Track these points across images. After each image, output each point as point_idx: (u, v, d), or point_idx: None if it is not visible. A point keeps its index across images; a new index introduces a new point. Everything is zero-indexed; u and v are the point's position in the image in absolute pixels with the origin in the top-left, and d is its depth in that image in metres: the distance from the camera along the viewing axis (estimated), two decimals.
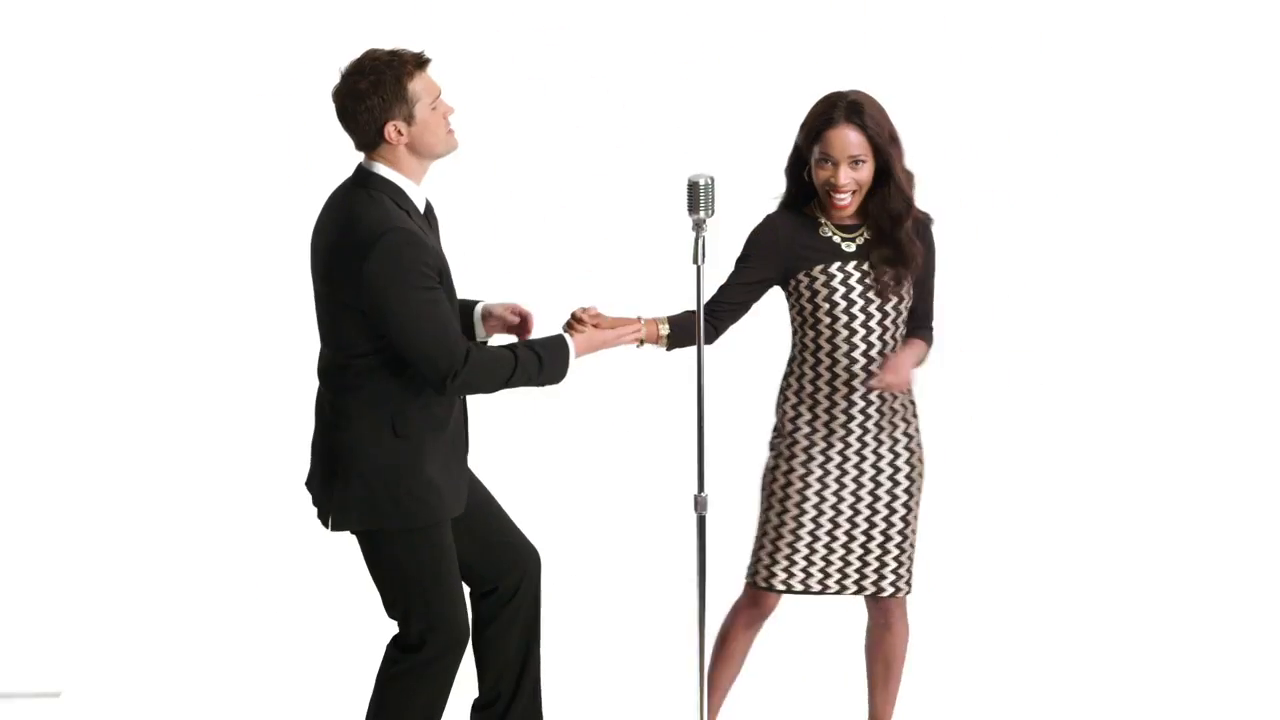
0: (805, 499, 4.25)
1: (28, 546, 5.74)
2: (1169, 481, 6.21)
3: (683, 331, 4.22)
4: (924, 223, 4.27)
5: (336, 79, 3.83)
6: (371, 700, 4.06)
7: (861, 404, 4.23)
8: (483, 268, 5.90)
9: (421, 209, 3.92)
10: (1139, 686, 5.24)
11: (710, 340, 4.24)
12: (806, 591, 4.28)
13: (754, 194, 4.32)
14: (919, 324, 4.32)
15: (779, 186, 4.28)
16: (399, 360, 3.81)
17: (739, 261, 4.26)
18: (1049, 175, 6.25)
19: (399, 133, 3.81)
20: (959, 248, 6.21)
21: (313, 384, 6.10)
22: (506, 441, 6.09)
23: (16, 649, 5.41)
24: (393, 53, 3.81)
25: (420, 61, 3.82)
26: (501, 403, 6.06)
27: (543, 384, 3.93)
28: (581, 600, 5.82)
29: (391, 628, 4.06)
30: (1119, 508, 6.21)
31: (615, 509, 5.97)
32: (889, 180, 4.15)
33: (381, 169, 3.85)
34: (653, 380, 5.87)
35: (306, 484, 4.09)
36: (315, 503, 4.04)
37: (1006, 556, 6.05)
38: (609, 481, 5.94)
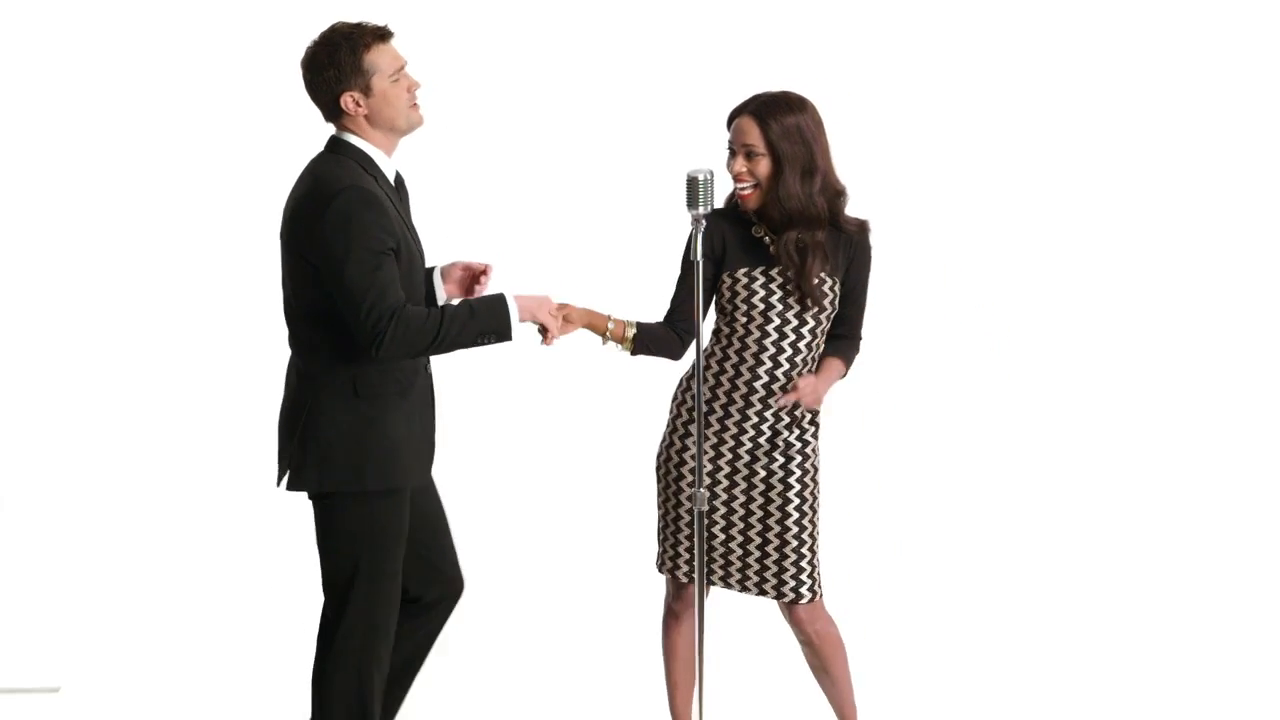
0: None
1: (27, 542, 5.74)
2: (1158, 481, 6.21)
3: (651, 340, 4.24)
4: (851, 231, 4.21)
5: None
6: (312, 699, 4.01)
7: (759, 406, 4.21)
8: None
9: (392, 179, 3.96)
10: (1130, 687, 5.25)
11: (680, 354, 4.29)
12: (711, 584, 4.28)
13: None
14: (843, 332, 4.29)
15: None
16: None
17: (681, 268, 4.28)
18: (1037, 176, 6.24)
19: (356, 103, 3.87)
20: (947, 248, 6.25)
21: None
22: (503, 438, 6.10)
23: (16, 644, 5.41)
24: (354, 25, 3.88)
25: (381, 34, 3.88)
26: (501, 401, 6.09)
27: (480, 338, 3.86)
28: (577, 598, 5.82)
29: None
30: (1107, 508, 6.21)
31: (613, 505, 5.96)
32: (780, 181, 4.14)
33: (351, 138, 3.91)
34: (651, 377, 5.88)
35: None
36: (280, 474, 4.01)
37: (993, 557, 6.05)
38: (607, 478, 5.93)
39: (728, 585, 4.27)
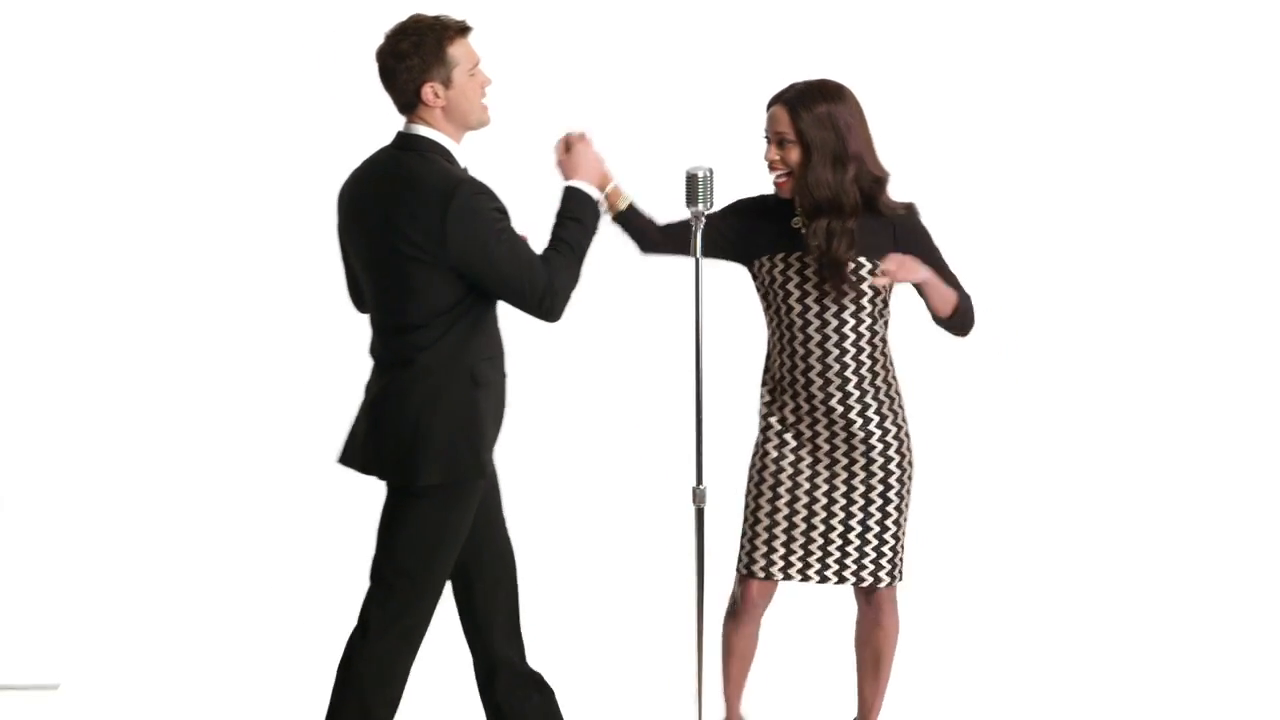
0: (779, 484, 4.27)
1: (27, 539, 5.74)
2: (1160, 481, 6.22)
3: (632, 222, 4.29)
4: (896, 215, 4.20)
5: (381, 40, 3.92)
6: (335, 685, 4.04)
7: (821, 395, 4.22)
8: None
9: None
10: (1137, 684, 5.25)
11: (645, 250, 4.32)
12: (787, 579, 4.30)
13: (753, 187, 4.31)
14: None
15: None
16: (477, 311, 3.90)
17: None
18: (1050, 170, 6.25)
19: (435, 95, 3.90)
20: (955, 242, 6.26)
21: (301, 378, 6.13)
22: (504, 434, 6.09)
23: (15, 641, 5.41)
24: (436, 17, 3.92)
25: (462, 29, 3.93)
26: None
27: (596, 232, 4.03)
28: (579, 593, 5.82)
29: None
30: (1116, 504, 6.22)
31: (613, 502, 5.97)
32: (809, 168, 4.14)
33: (424, 130, 3.94)
34: (651, 372, 5.88)
35: (342, 459, 4.08)
36: (367, 469, 4.02)
37: (1003, 552, 6.06)
38: (607, 474, 5.94)
39: (805, 578, 4.29)
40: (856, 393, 4.22)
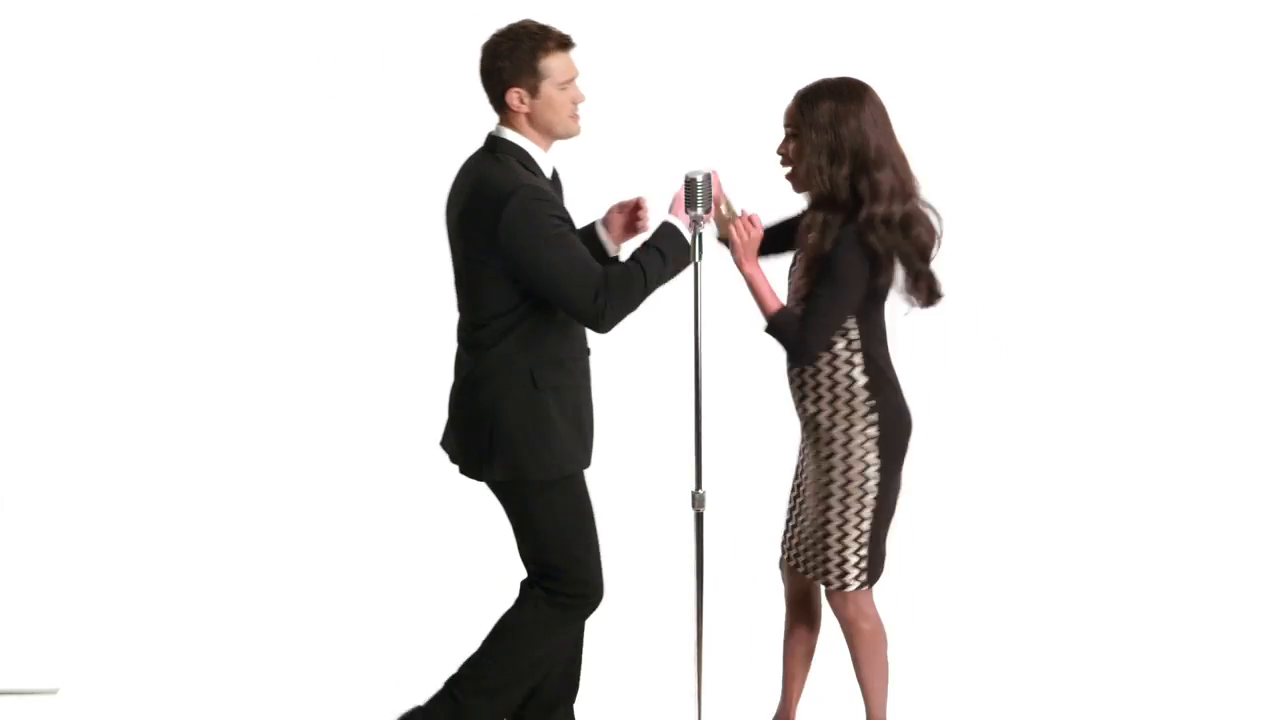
0: (796, 480, 4.40)
1: (26, 543, 5.73)
2: (1162, 480, 6.21)
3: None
4: (845, 231, 4.11)
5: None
6: (495, 637, 4.23)
7: (798, 396, 4.27)
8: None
9: (549, 175, 4.08)
10: (1136, 684, 5.25)
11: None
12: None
13: (752, 191, 4.31)
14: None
15: (777, 183, 4.28)
16: (537, 314, 3.99)
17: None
18: (1041, 176, 6.24)
19: (520, 101, 3.99)
20: (949, 249, 6.25)
21: (300, 382, 6.13)
22: None
23: (14, 646, 5.40)
24: (541, 27, 4.00)
25: (564, 42, 4.01)
26: None
27: (678, 270, 4.06)
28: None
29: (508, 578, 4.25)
30: (1117, 504, 6.21)
31: (612, 506, 5.95)
32: (803, 161, 4.14)
33: (509, 134, 4.04)
34: (651, 377, 5.87)
35: (441, 444, 4.25)
36: (453, 459, 4.21)
37: (994, 557, 6.05)
38: (606, 478, 5.92)
39: (795, 569, 4.38)
40: (814, 395, 4.24)
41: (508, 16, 4.02)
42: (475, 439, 4.10)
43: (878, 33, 6.16)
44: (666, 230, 4.06)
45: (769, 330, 4.16)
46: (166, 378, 6.05)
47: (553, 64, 3.99)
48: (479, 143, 4.09)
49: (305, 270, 6.25)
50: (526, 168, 3.99)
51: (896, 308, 4.26)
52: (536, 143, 4.04)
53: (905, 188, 4.13)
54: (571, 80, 4.02)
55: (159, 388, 6.06)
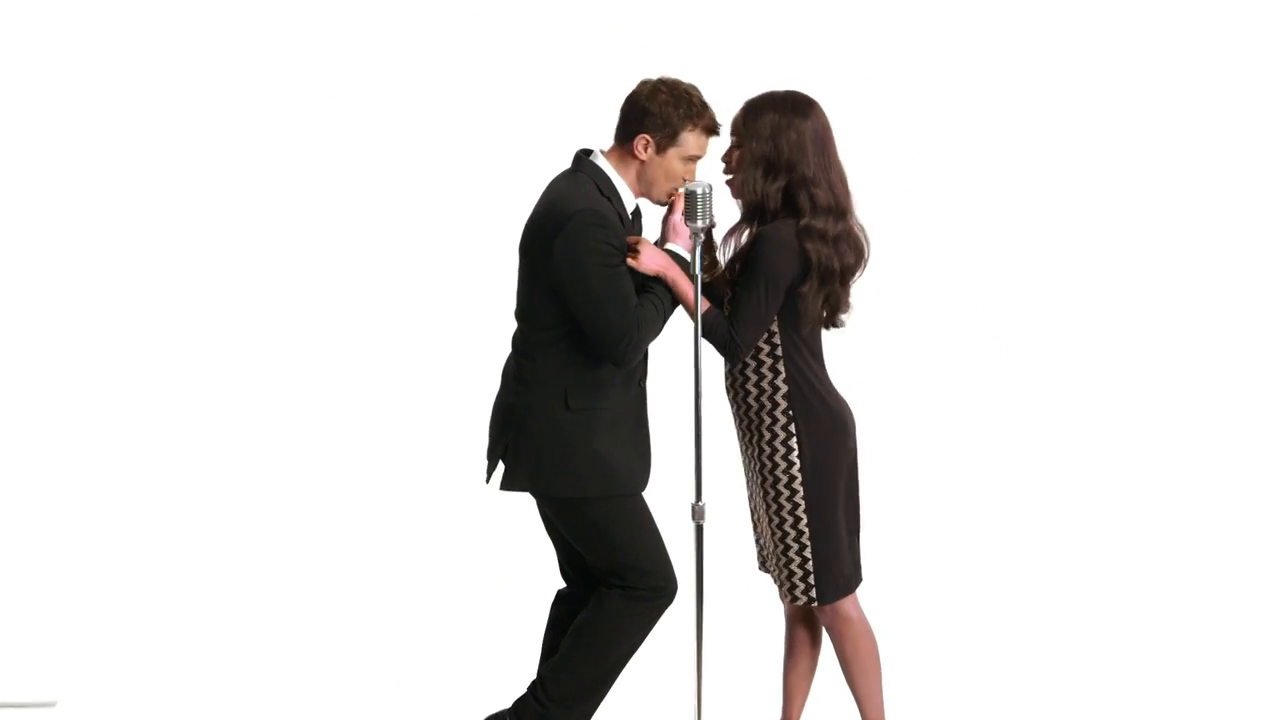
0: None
1: (23, 555, 5.73)
2: (1163, 480, 6.22)
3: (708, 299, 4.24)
4: (760, 232, 4.16)
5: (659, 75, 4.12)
6: (575, 637, 4.24)
7: (739, 406, 4.28)
8: (478, 276, 5.91)
9: (630, 211, 4.15)
10: (1136, 684, 5.24)
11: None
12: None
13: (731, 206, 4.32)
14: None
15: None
16: (578, 336, 4.06)
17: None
18: (1042, 177, 6.25)
19: (645, 149, 4.09)
20: (950, 248, 6.26)
21: (298, 388, 6.12)
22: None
23: (12, 658, 5.40)
24: (704, 103, 4.11)
25: (712, 128, 4.11)
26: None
27: (671, 310, 4.16)
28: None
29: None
30: (1116, 505, 6.22)
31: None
32: (740, 170, 4.17)
33: (603, 163, 4.13)
34: (651, 388, 5.86)
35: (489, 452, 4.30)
36: (494, 466, 4.26)
37: (995, 557, 6.06)
38: None
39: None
40: (743, 404, 4.25)
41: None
42: (507, 447, 4.17)
43: (877, 33, 6.17)
44: (657, 286, 4.12)
45: (703, 333, 4.18)
46: (168, 392, 6.06)
47: (692, 140, 4.10)
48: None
49: (315, 275, 6.26)
50: (603, 194, 4.08)
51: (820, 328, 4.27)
52: (629, 183, 4.14)
53: (840, 205, 4.15)
54: (695, 161, 4.12)
55: (159, 401, 6.06)
